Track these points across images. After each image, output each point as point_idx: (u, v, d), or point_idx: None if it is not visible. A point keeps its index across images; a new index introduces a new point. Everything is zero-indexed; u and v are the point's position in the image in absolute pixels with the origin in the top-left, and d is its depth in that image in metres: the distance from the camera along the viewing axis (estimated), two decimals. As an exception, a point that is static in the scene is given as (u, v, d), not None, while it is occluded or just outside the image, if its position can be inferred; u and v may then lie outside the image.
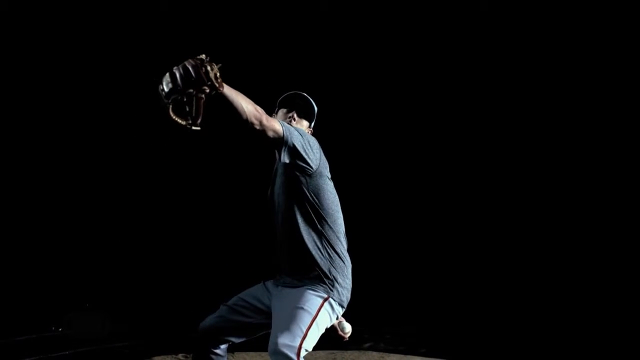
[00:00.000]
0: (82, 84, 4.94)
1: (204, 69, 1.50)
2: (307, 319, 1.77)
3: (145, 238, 5.09)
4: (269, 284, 2.01)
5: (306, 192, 1.87)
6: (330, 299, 1.87)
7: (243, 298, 2.01)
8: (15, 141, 4.84)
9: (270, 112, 2.02)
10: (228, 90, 1.57)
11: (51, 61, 4.80)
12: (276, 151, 1.77)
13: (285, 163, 1.80)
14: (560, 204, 5.05)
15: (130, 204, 5.17)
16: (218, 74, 1.54)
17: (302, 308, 1.79)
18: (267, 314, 1.92)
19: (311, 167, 1.85)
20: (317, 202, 1.89)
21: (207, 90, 1.52)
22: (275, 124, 1.70)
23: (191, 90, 1.50)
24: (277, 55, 5.10)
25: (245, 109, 1.59)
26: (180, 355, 4.08)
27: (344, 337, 2.08)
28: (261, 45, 5.09)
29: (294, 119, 2.11)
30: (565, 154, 5.07)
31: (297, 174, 1.86)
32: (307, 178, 1.87)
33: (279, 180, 1.95)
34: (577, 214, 4.97)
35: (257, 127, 1.63)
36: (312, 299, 1.83)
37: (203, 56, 1.54)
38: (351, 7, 5.05)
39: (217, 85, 1.52)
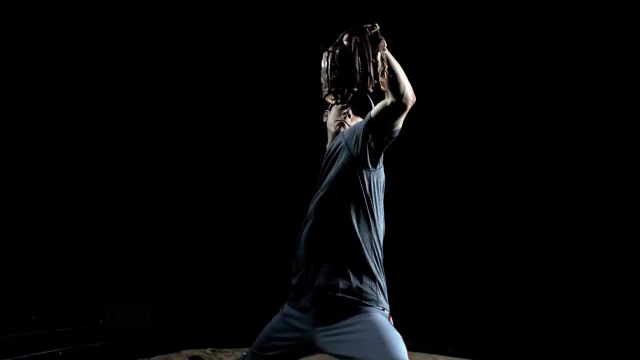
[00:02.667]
0: (82, 84, 5.01)
1: (373, 61, 1.45)
2: (401, 345, 1.58)
3: (179, 235, 5.18)
4: (296, 318, 1.74)
5: (368, 189, 1.75)
6: (386, 311, 1.71)
7: (269, 337, 1.81)
8: (43, 137, 4.92)
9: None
10: (393, 63, 1.55)
11: (51, 61, 4.85)
12: (376, 137, 1.69)
13: (370, 151, 1.71)
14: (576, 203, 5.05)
15: (170, 203, 5.26)
16: (386, 67, 1.49)
17: (388, 341, 1.58)
18: (299, 347, 1.76)
19: (380, 163, 1.79)
20: (376, 203, 1.77)
21: (369, 89, 1.49)
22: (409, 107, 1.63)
23: (355, 89, 1.48)
24: (278, 55, 5.16)
25: (405, 84, 1.58)
26: (208, 349, 4.20)
27: None
28: (262, 45, 5.16)
29: (349, 116, 2.00)
30: (566, 154, 5.06)
31: (369, 168, 1.74)
32: (375, 174, 1.77)
33: (335, 181, 1.78)
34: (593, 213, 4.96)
35: (407, 104, 1.59)
36: (385, 322, 1.65)
37: (377, 29, 1.49)
38: (351, 7, 5.08)
39: (381, 85, 1.49)
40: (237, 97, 5.22)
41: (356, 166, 1.74)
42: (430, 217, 5.38)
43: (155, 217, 5.27)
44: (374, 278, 1.70)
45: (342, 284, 1.66)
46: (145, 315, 4.35)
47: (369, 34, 1.50)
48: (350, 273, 1.68)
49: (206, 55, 5.11)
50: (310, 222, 1.78)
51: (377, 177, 1.78)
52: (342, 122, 1.99)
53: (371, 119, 1.70)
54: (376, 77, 1.47)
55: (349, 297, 1.66)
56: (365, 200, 1.73)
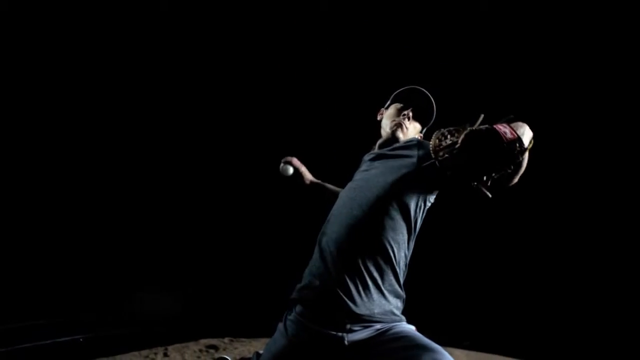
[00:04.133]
0: (82, 84, 5.03)
1: (520, 155, 1.39)
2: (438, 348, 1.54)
3: (212, 224, 5.24)
4: (315, 338, 1.60)
5: (418, 210, 1.65)
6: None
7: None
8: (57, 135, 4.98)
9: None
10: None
11: (51, 61, 4.87)
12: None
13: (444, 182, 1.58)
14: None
15: (202, 194, 5.33)
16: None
17: (432, 344, 1.54)
18: None
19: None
20: (418, 225, 1.69)
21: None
22: None
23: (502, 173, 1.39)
24: (278, 55, 5.16)
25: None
26: (226, 339, 4.26)
27: None
28: (262, 45, 5.15)
29: (409, 118, 1.84)
30: (565, 154, 5.00)
31: (431, 192, 1.66)
32: (430, 197, 1.69)
33: (386, 190, 1.62)
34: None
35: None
36: (413, 331, 1.62)
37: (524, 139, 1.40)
38: (350, 8, 5.05)
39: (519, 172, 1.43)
40: (241, 97, 5.23)
41: (419, 186, 1.63)
42: (443, 210, 5.35)
43: (188, 206, 5.32)
44: (401, 297, 1.66)
45: (377, 309, 1.59)
46: (175, 304, 4.41)
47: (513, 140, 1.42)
48: (385, 297, 1.61)
49: (206, 54, 5.12)
50: (342, 234, 1.61)
51: (428, 200, 1.70)
52: (400, 124, 1.83)
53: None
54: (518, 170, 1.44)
55: (382, 317, 1.61)
56: (412, 222, 1.64)
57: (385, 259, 1.60)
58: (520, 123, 1.46)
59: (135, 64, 4.90)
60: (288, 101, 5.15)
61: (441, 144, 1.43)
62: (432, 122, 1.90)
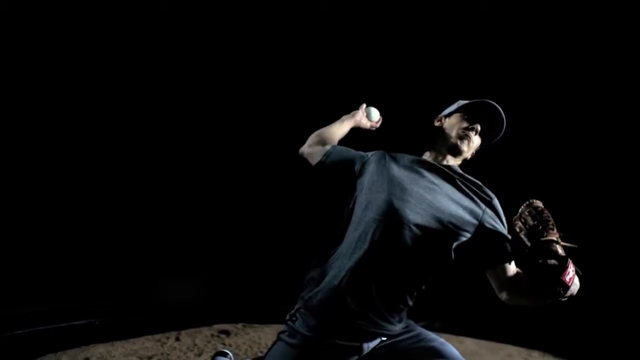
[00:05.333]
0: (82, 84, 5.02)
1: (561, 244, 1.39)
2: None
3: (236, 212, 5.30)
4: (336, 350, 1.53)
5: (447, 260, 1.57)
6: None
7: None
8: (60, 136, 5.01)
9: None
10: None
11: (50, 61, 4.86)
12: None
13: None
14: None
15: (225, 184, 5.38)
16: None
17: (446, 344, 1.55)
18: None
19: None
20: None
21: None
22: None
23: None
24: (279, 56, 5.14)
25: None
26: (240, 324, 4.32)
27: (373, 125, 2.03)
28: (262, 45, 5.14)
29: (476, 132, 1.70)
30: (565, 154, 4.90)
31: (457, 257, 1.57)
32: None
33: (448, 235, 1.52)
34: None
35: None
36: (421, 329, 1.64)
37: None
38: (350, 8, 5.00)
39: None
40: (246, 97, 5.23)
41: (466, 246, 1.54)
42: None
43: (203, 192, 5.36)
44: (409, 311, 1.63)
45: (390, 328, 1.56)
46: (191, 289, 4.47)
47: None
48: (399, 318, 1.58)
49: (206, 55, 5.13)
50: (370, 264, 1.50)
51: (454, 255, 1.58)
52: (467, 136, 1.68)
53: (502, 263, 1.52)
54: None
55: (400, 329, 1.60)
56: (440, 269, 1.57)
57: (417, 291, 1.59)
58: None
59: (135, 64, 4.92)
60: (287, 101, 5.16)
61: (526, 226, 1.43)
62: (494, 142, 1.76)
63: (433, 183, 1.60)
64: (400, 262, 1.49)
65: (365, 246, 1.50)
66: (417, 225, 1.49)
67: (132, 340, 3.73)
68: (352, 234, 1.55)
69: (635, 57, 4.51)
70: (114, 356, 3.35)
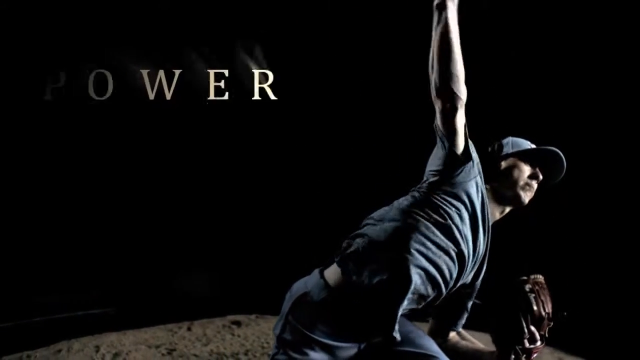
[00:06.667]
0: (81, 84, 5.11)
1: (549, 324, 1.50)
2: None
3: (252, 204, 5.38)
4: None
5: None
6: None
7: None
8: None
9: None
10: None
11: (50, 61, 4.82)
12: None
13: None
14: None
15: (238, 178, 5.47)
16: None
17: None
18: None
19: None
20: None
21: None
22: None
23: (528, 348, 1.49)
24: (278, 55, 5.13)
25: None
26: (253, 315, 4.39)
27: None
28: (262, 46, 5.13)
29: (538, 181, 1.64)
30: (566, 154, 4.75)
31: None
32: None
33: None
34: None
35: None
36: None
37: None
38: (350, 8, 4.96)
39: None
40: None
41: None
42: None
43: (216, 184, 5.44)
44: None
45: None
46: (205, 280, 4.57)
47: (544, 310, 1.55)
48: None
49: (206, 55, 5.17)
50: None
51: None
52: (532, 189, 1.63)
53: None
54: (543, 340, 1.53)
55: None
56: None
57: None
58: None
59: (135, 64, 5.00)
60: (288, 101, 5.17)
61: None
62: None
63: (479, 235, 1.55)
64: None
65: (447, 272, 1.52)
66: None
67: (144, 329, 3.85)
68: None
69: (635, 57, 4.40)
70: (124, 344, 3.47)
